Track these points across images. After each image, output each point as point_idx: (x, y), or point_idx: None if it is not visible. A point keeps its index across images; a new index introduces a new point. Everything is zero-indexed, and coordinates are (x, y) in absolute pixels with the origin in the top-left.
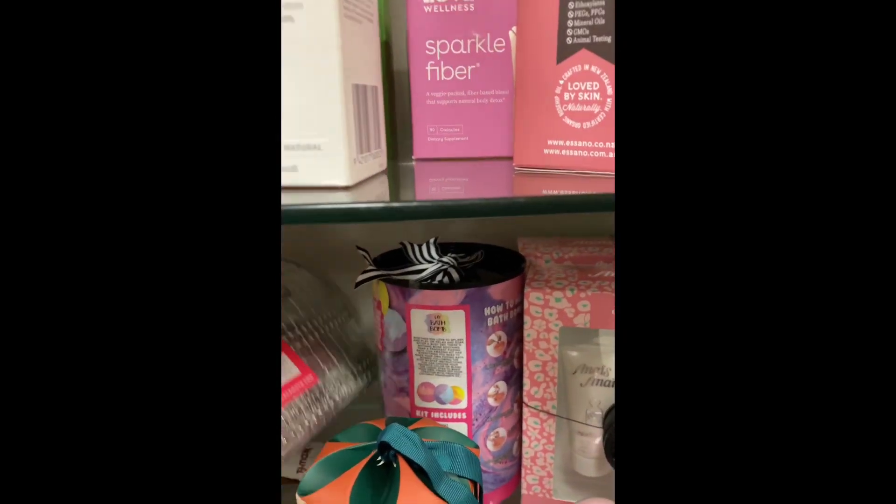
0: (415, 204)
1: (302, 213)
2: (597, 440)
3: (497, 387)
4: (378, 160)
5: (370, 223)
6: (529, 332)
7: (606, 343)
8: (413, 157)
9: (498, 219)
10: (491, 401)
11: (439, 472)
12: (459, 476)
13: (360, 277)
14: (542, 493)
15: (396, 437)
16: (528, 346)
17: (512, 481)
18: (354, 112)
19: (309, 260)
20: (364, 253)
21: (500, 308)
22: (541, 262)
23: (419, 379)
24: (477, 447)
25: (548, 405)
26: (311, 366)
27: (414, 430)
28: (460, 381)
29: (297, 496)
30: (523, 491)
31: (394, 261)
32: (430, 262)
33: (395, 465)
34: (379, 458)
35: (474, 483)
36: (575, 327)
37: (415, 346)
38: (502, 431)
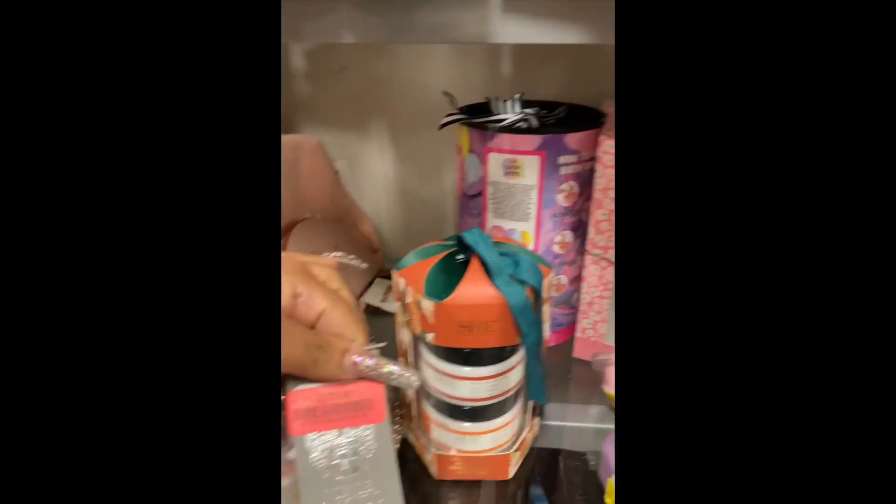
0: None
1: None
2: None
3: (563, 235)
4: None
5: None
6: (599, 181)
7: None
8: None
9: (587, 81)
10: (556, 248)
11: (501, 270)
12: (521, 281)
13: (445, 120)
14: (594, 336)
15: (473, 236)
16: (596, 195)
17: (568, 328)
18: None
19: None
20: (449, 97)
21: (574, 158)
22: None
23: (491, 222)
24: (549, 266)
25: (609, 254)
26: None
27: (496, 242)
28: (529, 226)
29: (393, 271)
30: (577, 333)
31: (479, 112)
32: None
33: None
34: (459, 256)
35: (535, 291)
36: None
37: (490, 189)
38: (564, 279)
